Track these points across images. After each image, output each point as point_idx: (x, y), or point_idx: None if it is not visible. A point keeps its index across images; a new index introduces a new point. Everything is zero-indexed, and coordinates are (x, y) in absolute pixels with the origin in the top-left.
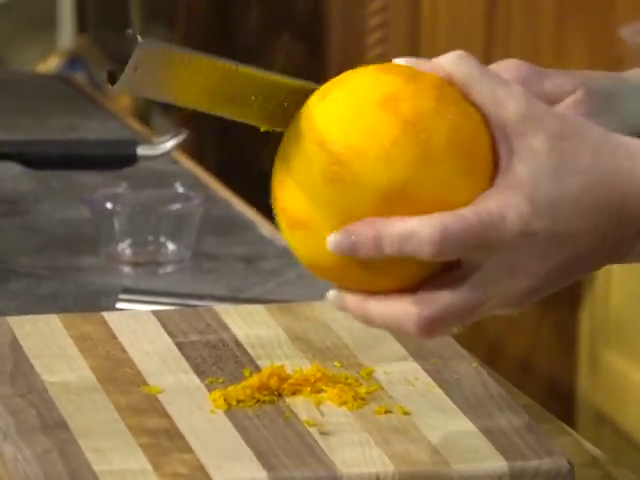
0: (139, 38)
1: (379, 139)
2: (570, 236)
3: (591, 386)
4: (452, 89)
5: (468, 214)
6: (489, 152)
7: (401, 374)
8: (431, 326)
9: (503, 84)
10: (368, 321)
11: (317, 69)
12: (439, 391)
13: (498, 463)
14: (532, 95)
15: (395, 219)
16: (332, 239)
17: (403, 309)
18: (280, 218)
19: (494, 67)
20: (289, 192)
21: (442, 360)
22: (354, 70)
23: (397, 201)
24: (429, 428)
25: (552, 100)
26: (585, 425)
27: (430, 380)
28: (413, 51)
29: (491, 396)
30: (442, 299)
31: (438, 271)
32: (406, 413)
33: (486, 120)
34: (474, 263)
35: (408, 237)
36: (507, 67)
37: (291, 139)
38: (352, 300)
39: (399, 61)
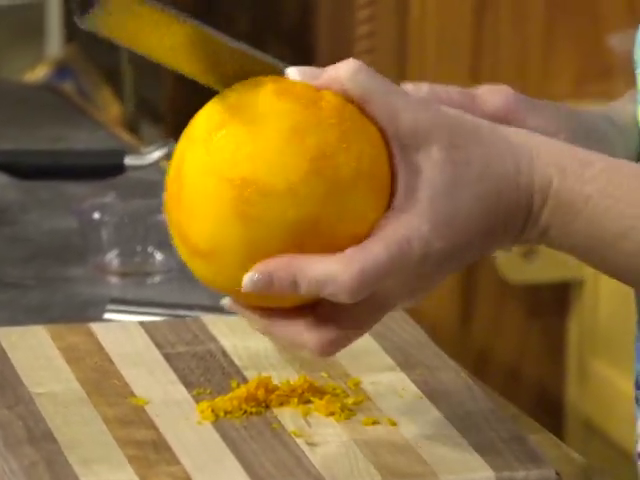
0: None
1: (286, 175)
2: (463, 248)
3: (579, 395)
4: (351, 108)
5: (380, 253)
6: (388, 170)
7: (389, 385)
8: (330, 348)
9: (399, 96)
10: (267, 334)
11: None
12: (427, 402)
13: (486, 474)
14: (430, 102)
15: (313, 260)
16: (248, 279)
17: (303, 333)
18: (180, 243)
19: (483, 90)
20: (192, 220)
21: (429, 370)
22: (249, 90)
23: (306, 236)
24: (417, 439)
25: None
26: (574, 434)
27: (417, 391)
28: (400, 60)
29: (479, 407)
30: (342, 324)
31: None
32: (393, 424)
33: (383, 135)
34: (378, 289)
35: (326, 283)
36: (495, 91)
37: (192, 165)
38: (250, 313)
39: (293, 73)
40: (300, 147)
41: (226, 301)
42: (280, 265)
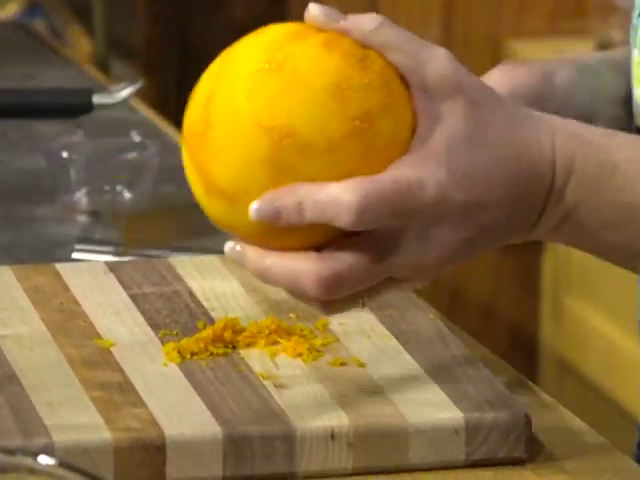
0: None
1: (326, 133)
2: (481, 207)
3: (554, 334)
4: (393, 70)
5: (387, 183)
6: (411, 118)
7: (357, 325)
8: (330, 286)
9: (426, 46)
10: (266, 277)
11: (278, 19)
12: (395, 342)
13: (454, 416)
14: (455, 59)
15: (317, 185)
16: (255, 207)
17: (302, 266)
18: (197, 180)
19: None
20: (217, 161)
21: (398, 311)
22: (295, 38)
23: None
24: (385, 380)
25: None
26: (548, 373)
27: (386, 331)
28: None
29: (448, 348)
30: (345, 260)
31: (346, 233)
32: (361, 365)
33: (407, 83)
34: (386, 229)
35: (329, 204)
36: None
37: (225, 105)
38: (252, 254)
39: (314, 10)
40: (344, 106)
41: (229, 245)
42: (285, 192)
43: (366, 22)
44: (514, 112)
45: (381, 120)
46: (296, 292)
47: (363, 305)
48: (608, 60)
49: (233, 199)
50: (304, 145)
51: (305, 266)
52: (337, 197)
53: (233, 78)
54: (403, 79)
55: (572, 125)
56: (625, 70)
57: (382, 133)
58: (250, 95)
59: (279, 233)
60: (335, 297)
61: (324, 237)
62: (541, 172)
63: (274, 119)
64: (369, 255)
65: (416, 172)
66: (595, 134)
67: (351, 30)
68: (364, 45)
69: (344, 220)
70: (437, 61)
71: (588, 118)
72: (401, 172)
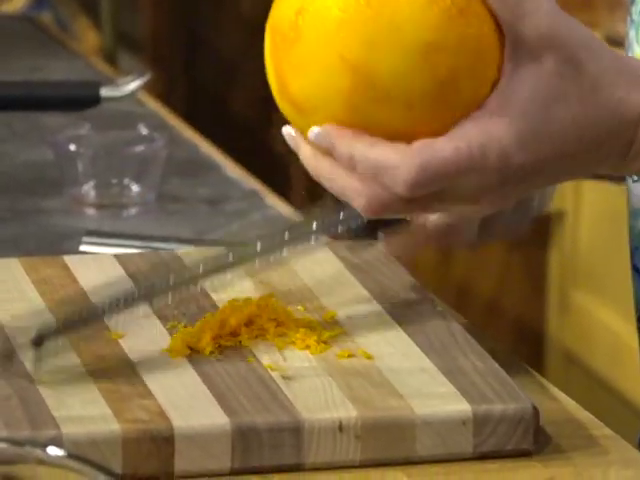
0: None
1: (410, 89)
2: (549, 165)
3: (560, 326)
4: (491, 22)
5: (448, 153)
6: (496, 74)
7: (365, 318)
8: (420, 184)
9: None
10: (353, 160)
11: None
12: (403, 335)
13: (462, 408)
14: (559, 12)
15: (378, 144)
16: (314, 133)
17: (394, 159)
18: (274, 76)
19: None
20: (297, 75)
21: (406, 303)
22: None
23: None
24: (392, 372)
25: None
26: (554, 366)
27: (394, 324)
28: None
29: (456, 340)
30: (435, 156)
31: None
32: (369, 357)
33: (500, 30)
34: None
35: (384, 169)
36: None
37: (315, 18)
38: (342, 135)
39: None
40: (432, 67)
41: (316, 130)
42: (346, 136)
43: None
44: (609, 66)
45: (466, 81)
46: (377, 181)
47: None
48: None
49: (302, 111)
50: (383, 96)
51: (398, 159)
52: (392, 165)
53: None
54: (500, 30)
55: None
56: None
57: (464, 93)
58: (341, 26)
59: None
60: (414, 194)
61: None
62: (623, 130)
63: (359, 59)
64: (463, 162)
65: (481, 136)
66: None
67: None
68: None
69: (397, 190)
70: (536, 16)
71: None
72: (464, 137)
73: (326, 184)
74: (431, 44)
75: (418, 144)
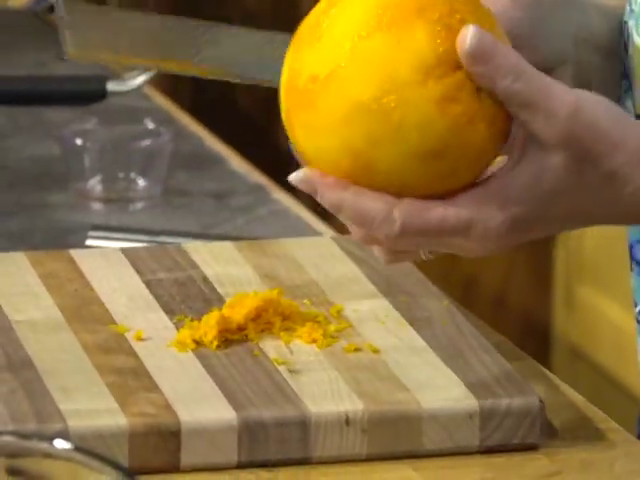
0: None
1: (406, 180)
2: (537, 235)
3: (566, 323)
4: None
5: (435, 216)
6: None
7: (371, 312)
8: (406, 235)
9: (550, 95)
10: (338, 208)
11: (289, 9)
12: (409, 329)
13: (469, 401)
14: (580, 109)
15: (365, 195)
16: (297, 176)
17: (382, 205)
18: (290, 132)
19: None
20: (304, 136)
21: (413, 297)
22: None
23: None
24: (399, 366)
25: None
26: (560, 362)
27: (400, 318)
28: None
29: (462, 334)
30: (430, 212)
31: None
32: (376, 351)
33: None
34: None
35: (369, 222)
36: None
37: (323, 97)
38: (332, 185)
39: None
40: (430, 168)
41: (297, 174)
42: (331, 186)
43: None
44: (626, 161)
45: (463, 174)
46: (368, 231)
47: (425, 257)
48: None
49: (307, 162)
50: (379, 180)
51: (382, 207)
52: (375, 219)
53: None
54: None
55: None
56: (615, 23)
57: (461, 181)
58: (351, 113)
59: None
60: (403, 244)
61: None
62: (618, 207)
63: (361, 150)
64: (452, 218)
65: (472, 212)
66: None
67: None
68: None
69: (378, 237)
70: (554, 119)
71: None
72: (456, 205)
73: (349, 211)
74: (433, 151)
75: (406, 203)
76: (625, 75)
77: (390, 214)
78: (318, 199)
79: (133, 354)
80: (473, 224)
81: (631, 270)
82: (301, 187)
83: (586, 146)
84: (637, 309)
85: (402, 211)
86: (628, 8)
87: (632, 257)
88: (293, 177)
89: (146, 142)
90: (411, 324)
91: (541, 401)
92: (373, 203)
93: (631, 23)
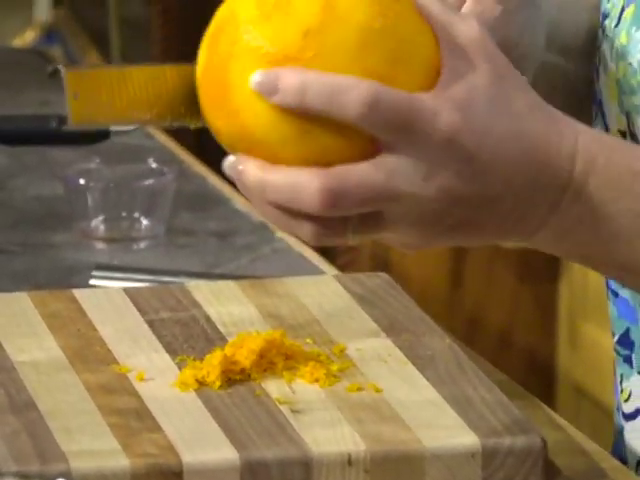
0: (63, 69)
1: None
2: (485, 174)
3: (571, 360)
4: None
5: (402, 95)
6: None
7: (373, 351)
8: (333, 200)
9: (458, 12)
10: (264, 192)
11: None
12: (412, 368)
13: (471, 441)
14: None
15: (329, 74)
16: (256, 75)
17: (304, 178)
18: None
19: None
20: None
21: (415, 336)
22: None
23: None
24: (401, 406)
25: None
26: (564, 399)
27: (403, 357)
28: None
29: (465, 373)
30: (349, 174)
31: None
32: (378, 390)
33: (436, 38)
34: (393, 150)
35: (339, 91)
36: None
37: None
38: (252, 167)
39: None
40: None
41: (230, 159)
42: (294, 70)
43: None
44: (539, 100)
45: (414, 58)
46: (294, 206)
47: (352, 240)
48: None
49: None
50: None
51: (307, 180)
52: (350, 86)
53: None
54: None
55: (596, 130)
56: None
57: (413, 66)
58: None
59: (293, 141)
60: (333, 213)
61: (330, 159)
62: (558, 165)
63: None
64: (374, 174)
65: (433, 102)
66: (619, 142)
67: None
68: None
69: (352, 110)
70: (469, 25)
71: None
72: (418, 96)
73: (275, 193)
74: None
75: (373, 80)
76: (596, 101)
77: (314, 181)
78: (243, 179)
79: (135, 394)
80: (439, 112)
81: (608, 299)
82: (228, 173)
83: (502, 63)
84: (614, 339)
85: (326, 176)
86: (601, 33)
87: (607, 286)
88: (225, 166)
89: (149, 181)
90: (414, 363)
91: (543, 440)
92: (299, 174)
93: (605, 47)
